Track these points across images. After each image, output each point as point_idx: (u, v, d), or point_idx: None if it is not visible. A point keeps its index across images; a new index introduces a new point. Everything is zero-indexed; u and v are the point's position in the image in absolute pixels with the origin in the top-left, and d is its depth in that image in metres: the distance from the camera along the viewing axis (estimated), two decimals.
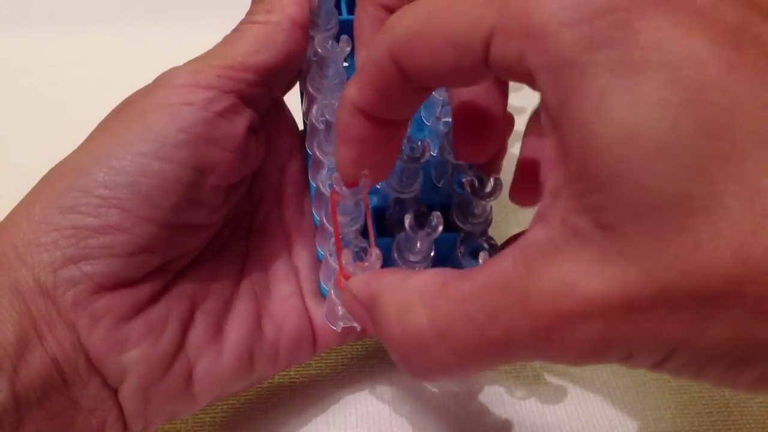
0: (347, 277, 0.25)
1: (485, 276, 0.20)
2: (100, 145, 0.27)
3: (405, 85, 0.23)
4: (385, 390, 0.34)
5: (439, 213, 0.27)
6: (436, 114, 0.31)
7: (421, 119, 0.33)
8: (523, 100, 0.50)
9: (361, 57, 0.27)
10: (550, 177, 0.19)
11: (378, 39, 0.23)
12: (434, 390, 0.33)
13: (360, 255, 0.28)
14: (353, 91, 0.24)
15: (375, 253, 0.26)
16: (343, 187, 0.27)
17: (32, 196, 0.27)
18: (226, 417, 0.33)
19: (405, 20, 0.22)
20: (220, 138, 0.28)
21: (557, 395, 0.33)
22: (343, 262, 0.26)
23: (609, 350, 0.18)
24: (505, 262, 0.19)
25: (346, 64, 0.33)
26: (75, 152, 0.28)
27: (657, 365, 0.19)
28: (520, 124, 0.48)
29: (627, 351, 0.18)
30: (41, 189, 0.27)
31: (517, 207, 0.42)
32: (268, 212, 0.33)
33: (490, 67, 0.20)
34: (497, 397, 0.33)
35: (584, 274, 0.18)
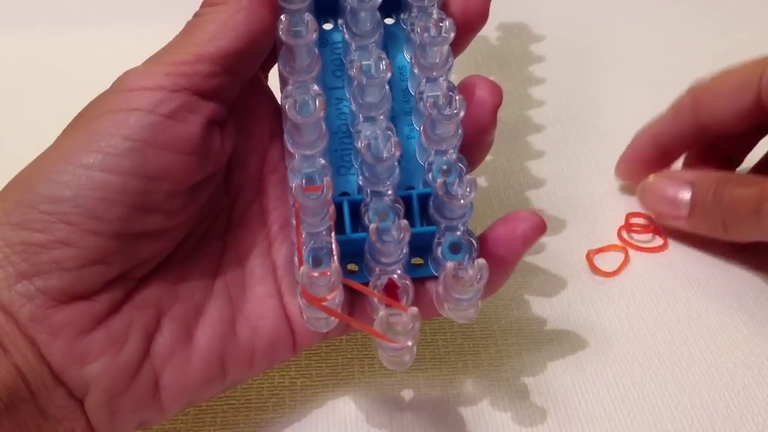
0: (306, 293, 0.25)
1: None
2: (47, 158, 0.26)
3: (696, 126, 0.38)
4: (385, 391, 0.33)
5: (406, 222, 0.27)
6: (419, 89, 0.29)
7: (407, 89, 0.31)
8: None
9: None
10: None
11: (685, 93, 0.39)
12: (437, 395, 0.33)
13: (330, 252, 0.27)
14: (654, 124, 0.40)
15: (335, 268, 0.26)
16: (306, 198, 0.26)
17: None
18: (226, 417, 0.32)
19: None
20: (171, 141, 0.26)
21: (555, 397, 0.33)
22: (301, 279, 0.25)
23: None
24: None
25: (329, 25, 0.31)
26: (27, 166, 0.27)
27: None
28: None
29: None
30: None
31: (502, 199, 0.42)
32: (248, 204, 0.31)
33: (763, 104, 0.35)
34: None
35: None
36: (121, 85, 0.27)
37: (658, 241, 0.40)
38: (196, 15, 0.28)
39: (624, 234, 0.40)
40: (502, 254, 0.29)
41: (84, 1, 0.56)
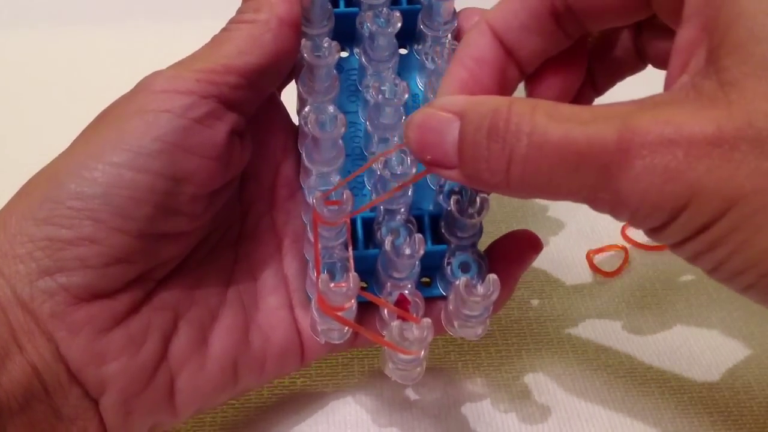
0: (322, 302, 0.26)
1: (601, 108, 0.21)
2: (75, 155, 0.26)
3: (558, 18, 0.25)
4: (385, 391, 0.33)
5: (421, 236, 0.27)
6: None
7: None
8: None
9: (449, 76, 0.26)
10: (681, 59, 0.22)
11: None
12: (437, 395, 0.33)
13: (344, 267, 0.28)
14: (493, 13, 0.26)
15: (353, 277, 0.26)
16: (325, 210, 0.26)
17: (9, 206, 0.26)
18: (226, 417, 0.32)
19: None
20: (199, 145, 0.27)
21: (556, 397, 0.33)
22: (321, 286, 0.26)
23: (674, 184, 0.19)
24: (624, 104, 0.21)
25: (345, 53, 0.32)
26: (52, 162, 0.27)
27: (710, 222, 0.19)
28: None
29: (689, 193, 0.19)
30: (18, 200, 0.26)
31: (503, 199, 0.42)
32: (260, 216, 0.31)
33: None
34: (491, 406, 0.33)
35: (687, 115, 0.20)
36: (151, 86, 0.27)
37: None
38: (224, 29, 0.29)
39: (628, 231, 0.40)
40: (502, 274, 0.29)
41: (84, 1, 0.56)
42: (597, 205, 0.22)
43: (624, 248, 0.40)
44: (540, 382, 0.34)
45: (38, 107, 0.48)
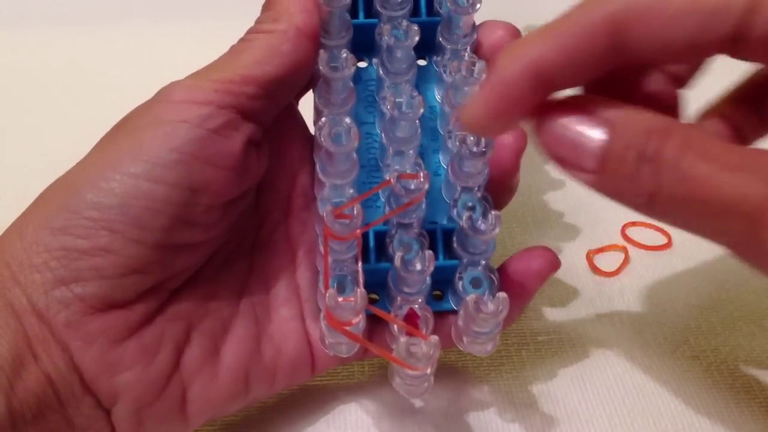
0: (330, 317, 0.26)
1: None
2: (93, 164, 0.27)
3: (610, 57, 0.22)
4: (385, 391, 0.33)
5: (431, 252, 0.27)
6: (448, 128, 0.30)
7: (436, 128, 0.32)
8: None
9: None
10: None
11: (594, 5, 0.21)
12: (439, 401, 0.33)
13: (354, 280, 0.28)
14: (538, 48, 0.22)
15: (360, 293, 0.26)
16: (336, 225, 0.26)
17: (26, 214, 0.26)
18: (225, 418, 0.32)
19: None
20: (215, 156, 0.27)
21: (556, 397, 0.33)
22: (328, 301, 0.26)
23: None
24: None
25: (363, 64, 0.32)
26: (70, 170, 0.27)
27: None
28: None
29: None
30: (35, 208, 0.26)
31: (511, 212, 0.42)
32: (275, 226, 0.31)
33: (743, 35, 0.20)
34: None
35: None
36: (169, 96, 0.27)
37: (662, 239, 0.40)
38: (242, 40, 0.29)
39: (628, 231, 0.40)
40: (517, 290, 0.29)
41: (84, 1, 0.56)
42: (743, 257, 0.21)
43: (624, 248, 0.40)
44: (540, 383, 0.34)
45: (38, 107, 0.48)
